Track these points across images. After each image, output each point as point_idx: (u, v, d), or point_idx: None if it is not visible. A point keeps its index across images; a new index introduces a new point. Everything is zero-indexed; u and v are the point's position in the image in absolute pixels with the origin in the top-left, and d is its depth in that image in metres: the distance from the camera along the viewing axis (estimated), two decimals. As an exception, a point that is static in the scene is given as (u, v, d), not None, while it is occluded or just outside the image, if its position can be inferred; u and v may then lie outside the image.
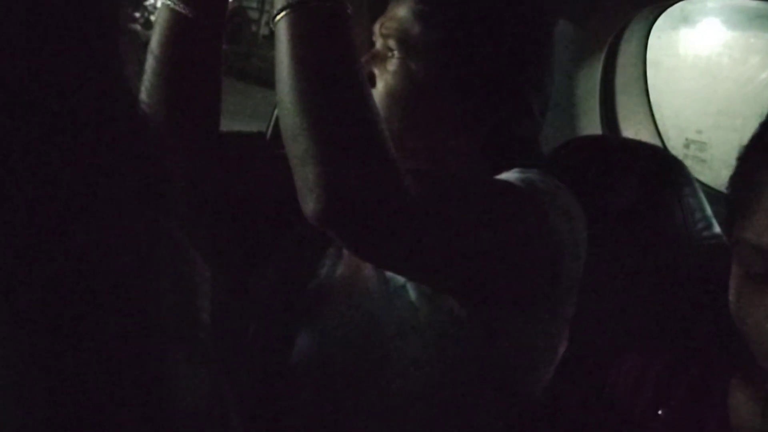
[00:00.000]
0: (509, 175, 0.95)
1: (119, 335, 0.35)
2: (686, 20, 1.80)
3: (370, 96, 0.79)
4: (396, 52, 0.98)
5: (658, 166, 1.29)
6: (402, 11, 0.99)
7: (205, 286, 0.45)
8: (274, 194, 0.96)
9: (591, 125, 1.68)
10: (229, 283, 0.99)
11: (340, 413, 0.95)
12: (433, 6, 0.97)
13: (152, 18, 0.99)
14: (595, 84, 1.67)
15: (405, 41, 0.97)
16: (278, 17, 0.77)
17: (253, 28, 10.70)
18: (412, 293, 0.94)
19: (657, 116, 1.84)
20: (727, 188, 0.73)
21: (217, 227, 0.98)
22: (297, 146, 0.75)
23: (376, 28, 1.01)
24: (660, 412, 0.80)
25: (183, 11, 0.93)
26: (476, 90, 0.98)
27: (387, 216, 0.77)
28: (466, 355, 0.93)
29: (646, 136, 1.76)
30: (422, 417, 0.94)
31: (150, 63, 0.94)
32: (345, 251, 1.03)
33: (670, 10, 1.63)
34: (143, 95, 0.95)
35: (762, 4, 1.70)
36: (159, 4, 0.97)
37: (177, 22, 0.94)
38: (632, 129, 1.76)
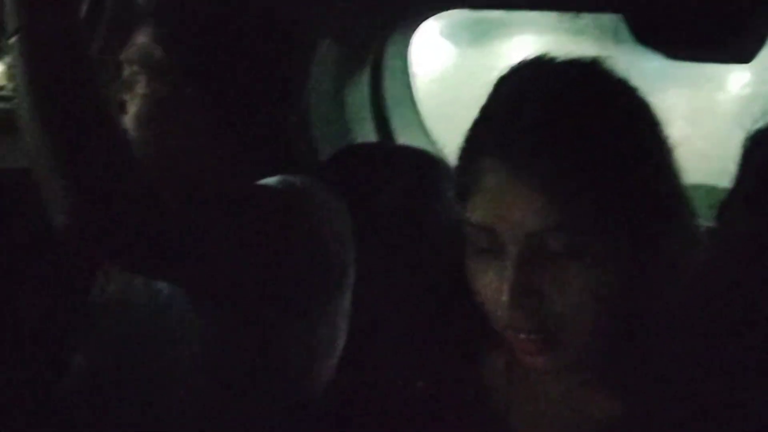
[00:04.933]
0: (269, 180, 1.01)
1: None
2: (443, 35, 1.97)
3: (105, 108, 0.82)
4: (141, 77, 1.02)
5: (420, 165, 1.41)
6: (143, 37, 1.03)
7: None
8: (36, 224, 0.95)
9: (366, 134, 1.79)
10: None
11: (123, 425, 0.96)
12: (171, 29, 1.02)
13: None
14: (365, 96, 1.78)
15: (147, 66, 1.02)
16: (10, 40, 0.79)
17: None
18: (180, 300, 0.97)
19: (434, 123, 1.98)
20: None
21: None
22: (40, 163, 0.78)
23: (122, 56, 1.05)
24: (420, 383, 0.87)
25: None
26: (223, 105, 1.03)
27: (133, 222, 0.81)
28: (239, 357, 0.97)
29: (422, 142, 1.88)
30: (205, 419, 0.97)
31: None
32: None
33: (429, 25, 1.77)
34: None
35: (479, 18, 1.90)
36: None
37: None
38: (407, 136, 1.88)
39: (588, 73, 0.73)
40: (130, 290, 1.02)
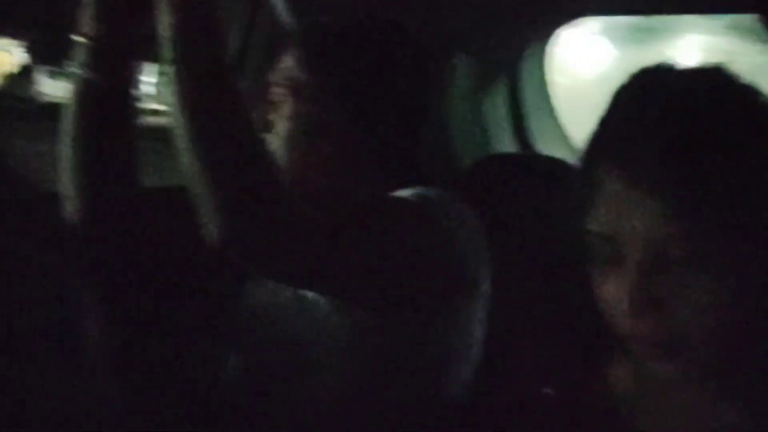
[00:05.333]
0: (402, 193, 1.06)
1: None
2: (575, 43, 1.94)
3: (252, 131, 0.89)
4: (286, 98, 1.09)
5: (556, 175, 1.41)
6: (288, 61, 1.10)
7: (86, 310, 0.55)
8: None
9: (504, 144, 1.81)
10: (164, 316, 1.09)
11: (270, 421, 1.04)
12: (314, 52, 1.09)
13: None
14: (502, 107, 1.80)
15: (292, 87, 1.09)
16: (168, 71, 0.87)
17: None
18: (324, 306, 1.04)
19: (572, 132, 1.96)
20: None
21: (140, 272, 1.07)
22: (195, 182, 0.85)
23: (270, 79, 1.13)
24: (547, 390, 0.88)
25: (92, 78, 1.01)
26: (361, 124, 1.09)
27: (278, 235, 0.87)
28: (377, 359, 1.03)
29: (562, 151, 1.88)
30: (345, 419, 1.03)
31: (65, 133, 1.03)
32: None
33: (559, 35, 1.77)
34: (61, 165, 1.04)
35: (639, 19, 1.86)
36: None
37: (86, 90, 1.02)
38: (546, 145, 1.88)
39: (710, 79, 0.72)
40: (278, 295, 1.10)
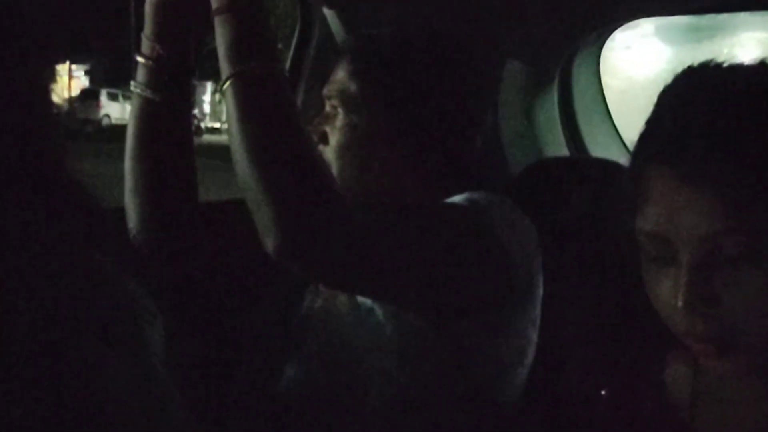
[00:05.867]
0: (454, 198, 1.07)
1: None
2: (628, 46, 1.93)
3: (307, 142, 0.92)
4: (340, 110, 1.12)
5: (608, 177, 1.40)
6: (340, 73, 1.13)
7: (151, 319, 0.57)
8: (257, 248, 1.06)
9: (557, 149, 1.81)
10: (224, 327, 1.11)
11: (327, 428, 1.06)
12: (365, 64, 1.11)
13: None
14: (554, 112, 1.80)
15: (345, 99, 1.11)
16: (225, 86, 0.90)
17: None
18: (379, 313, 1.05)
19: (626, 135, 1.95)
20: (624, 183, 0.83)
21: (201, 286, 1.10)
22: (251, 194, 0.87)
23: (324, 92, 1.16)
24: (603, 392, 0.88)
25: (150, 96, 1.04)
26: (414, 133, 1.11)
27: (335, 243, 0.89)
28: (431, 363, 1.04)
29: (615, 154, 1.86)
30: (399, 424, 1.04)
31: (128, 150, 1.07)
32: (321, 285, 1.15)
33: (611, 38, 1.76)
34: (126, 182, 1.08)
35: (692, 18, 1.84)
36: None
37: (147, 109, 1.05)
38: (600, 149, 1.87)
39: (756, 74, 0.72)
40: (335, 304, 1.12)
